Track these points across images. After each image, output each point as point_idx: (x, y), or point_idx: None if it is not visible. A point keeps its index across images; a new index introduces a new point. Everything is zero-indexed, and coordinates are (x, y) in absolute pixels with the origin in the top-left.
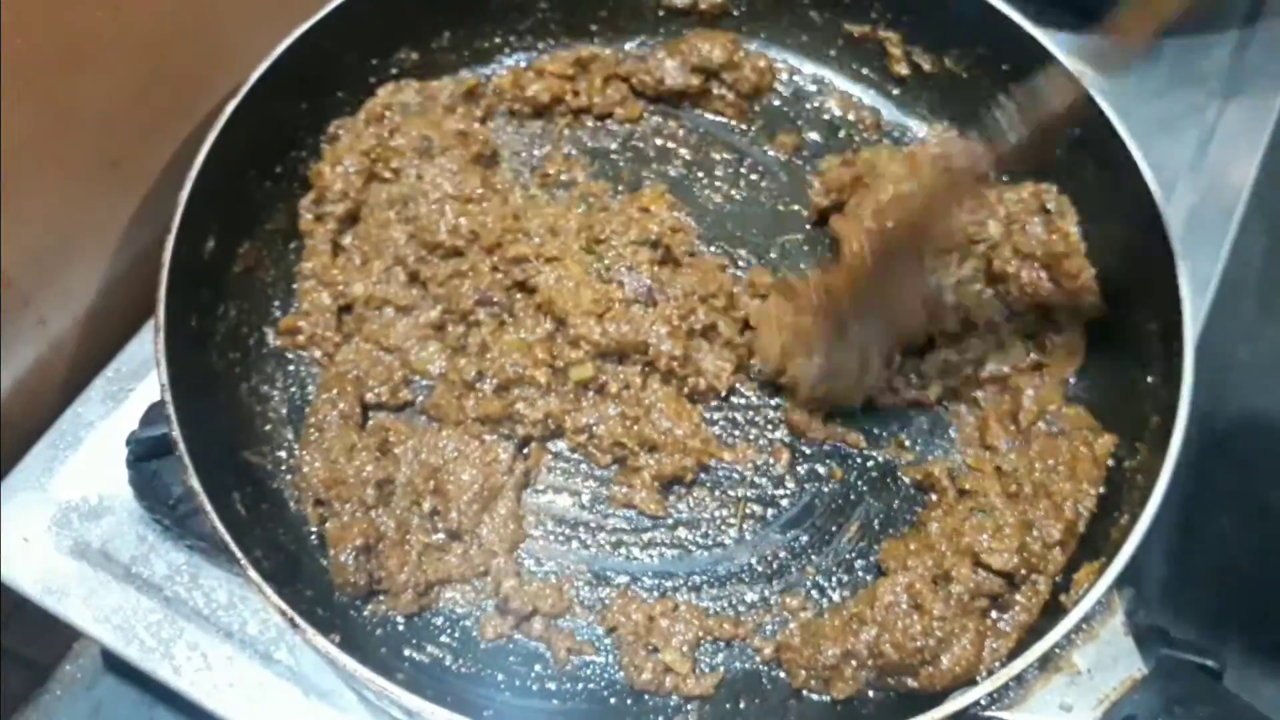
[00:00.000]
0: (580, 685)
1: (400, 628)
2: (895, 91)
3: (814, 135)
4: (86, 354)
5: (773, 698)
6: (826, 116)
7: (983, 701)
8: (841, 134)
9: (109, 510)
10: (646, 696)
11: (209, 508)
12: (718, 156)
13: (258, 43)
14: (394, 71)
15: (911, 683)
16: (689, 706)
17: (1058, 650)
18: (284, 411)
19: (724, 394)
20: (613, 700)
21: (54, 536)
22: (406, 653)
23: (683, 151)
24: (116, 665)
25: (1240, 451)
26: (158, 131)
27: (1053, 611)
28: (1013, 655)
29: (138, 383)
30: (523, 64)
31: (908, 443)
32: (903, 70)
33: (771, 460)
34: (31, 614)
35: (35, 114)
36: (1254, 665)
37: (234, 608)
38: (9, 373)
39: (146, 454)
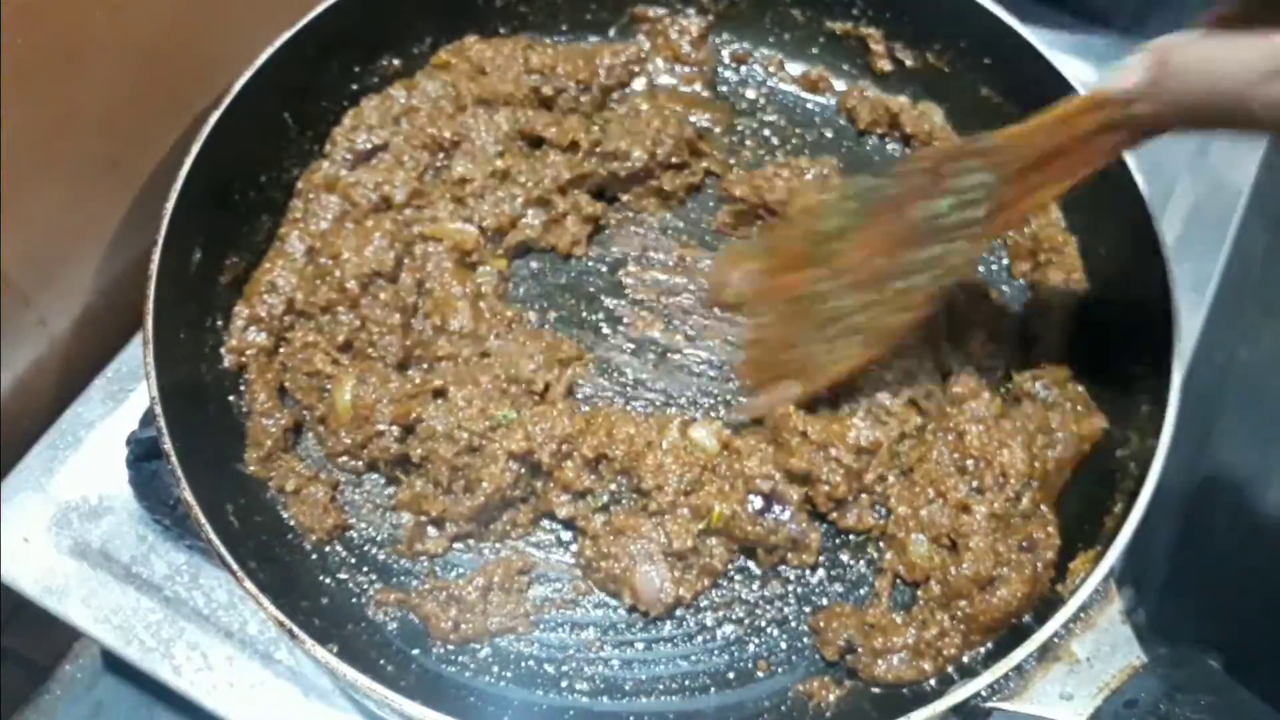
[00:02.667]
0: (582, 683)
1: (396, 635)
2: (878, 88)
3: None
4: (86, 354)
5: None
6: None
7: (983, 693)
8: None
9: (109, 510)
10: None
11: (203, 520)
12: None
13: (256, 44)
14: (376, 80)
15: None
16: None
17: (1056, 640)
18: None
19: None
20: (607, 699)
21: (54, 536)
22: (403, 660)
23: None
24: (116, 665)
25: (1239, 451)
26: (157, 132)
27: (1050, 601)
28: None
29: (137, 383)
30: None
31: None
32: (885, 66)
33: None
34: (31, 614)
35: (35, 114)
36: (1253, 665)
37: (234, 608)
38: (9, 373)
39: (146, 454)
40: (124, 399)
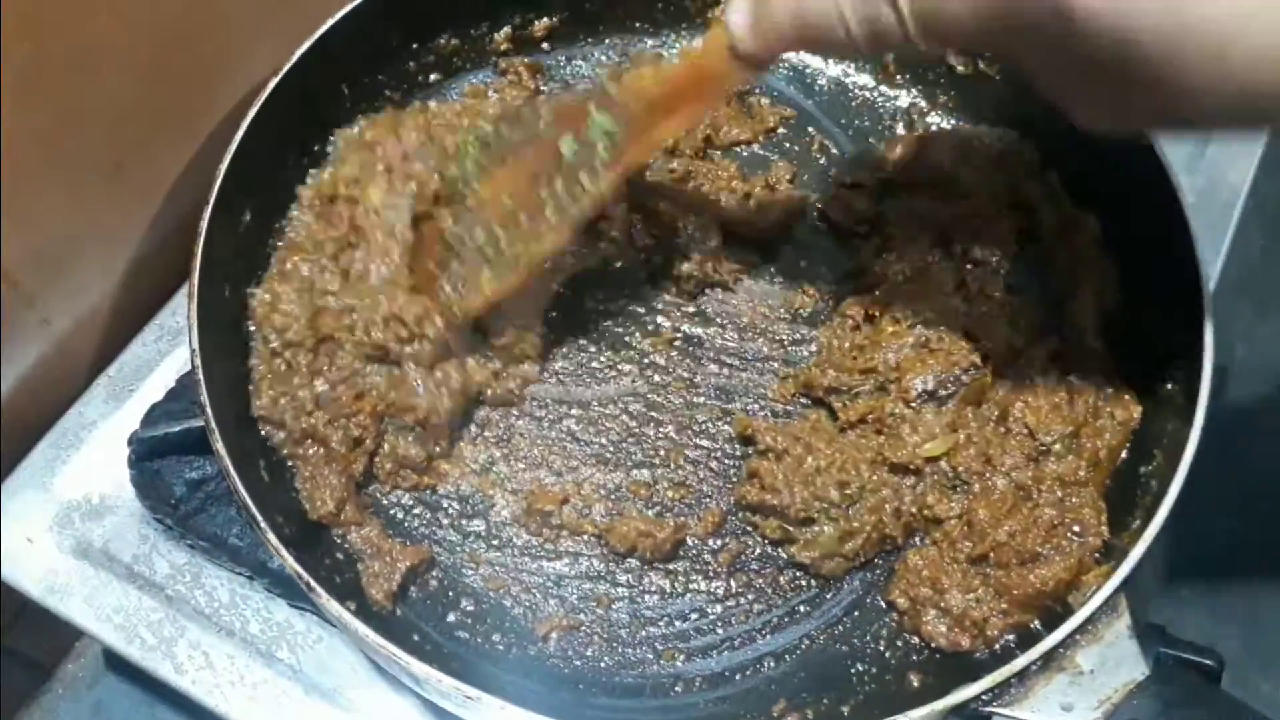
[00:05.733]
0: (577, 661)
1: (416, 604)
2: (925, 89)
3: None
4: (89, 354)
5: None
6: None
7: (984, 697)
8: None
9: (111, 510)
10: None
11: (232, 472)
12: None
13: (262, 48)
14: (433, 59)
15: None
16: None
17: (1062, 650)
18: None
19: None
20: (604, 663)
21: (56, 536)
22: (426, 629)
23: None
24: (118, 664)
25: (1237, 450)
26: (161, 135)
27: (1059, 611)
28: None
29: (140, 383)
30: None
31: None
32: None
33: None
34: (33, 613)
35: (40, 117)
36: (1252, 663)
37: (235, 607)
38: (12, 372)
39: (148, 454)
40: (126, 399)
